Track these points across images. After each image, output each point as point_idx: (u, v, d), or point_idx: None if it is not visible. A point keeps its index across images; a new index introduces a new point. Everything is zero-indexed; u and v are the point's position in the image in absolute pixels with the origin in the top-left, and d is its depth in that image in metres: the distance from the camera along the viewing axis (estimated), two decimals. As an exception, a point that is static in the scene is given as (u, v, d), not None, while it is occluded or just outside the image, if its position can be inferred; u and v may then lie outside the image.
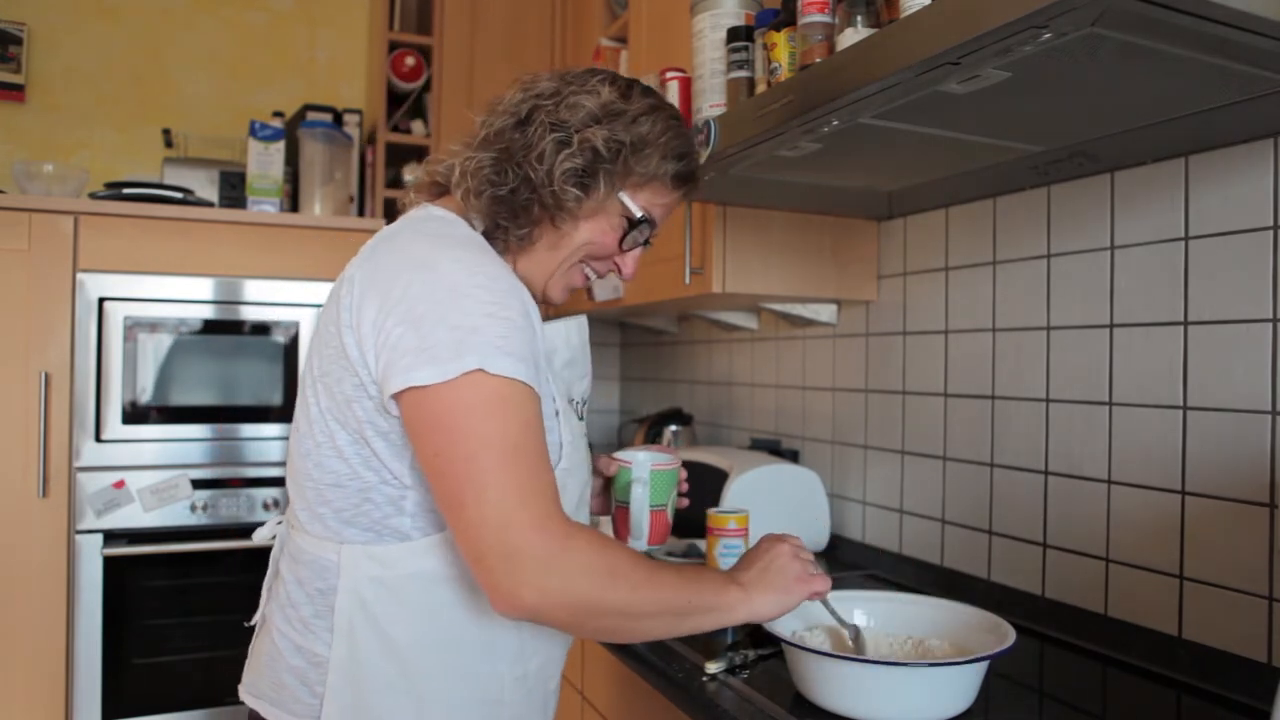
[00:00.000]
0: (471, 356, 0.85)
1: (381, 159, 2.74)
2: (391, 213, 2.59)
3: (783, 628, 1.10)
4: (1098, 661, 1.29)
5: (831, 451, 2.00)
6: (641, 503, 1.13)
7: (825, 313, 1.96)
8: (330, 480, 0.96)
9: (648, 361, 3.02)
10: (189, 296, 2.19)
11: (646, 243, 1.07)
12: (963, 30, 0.82)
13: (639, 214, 1.02)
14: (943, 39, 0.84)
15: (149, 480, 2.13)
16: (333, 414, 0.95)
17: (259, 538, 1.12)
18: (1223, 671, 1.16)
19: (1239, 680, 1.14)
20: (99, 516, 2.08)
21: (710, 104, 1.39)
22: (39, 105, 2.79)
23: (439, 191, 1.07)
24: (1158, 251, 1.27)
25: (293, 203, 2.58)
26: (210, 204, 2.33)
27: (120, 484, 2.10)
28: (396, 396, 0.88)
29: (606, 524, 1.22)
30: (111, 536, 2.09)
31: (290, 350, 2.28)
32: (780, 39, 1.21)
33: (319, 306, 2.25)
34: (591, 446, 1.16)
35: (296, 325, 2.28)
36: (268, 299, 2.26)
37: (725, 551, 1.50)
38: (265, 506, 2.23)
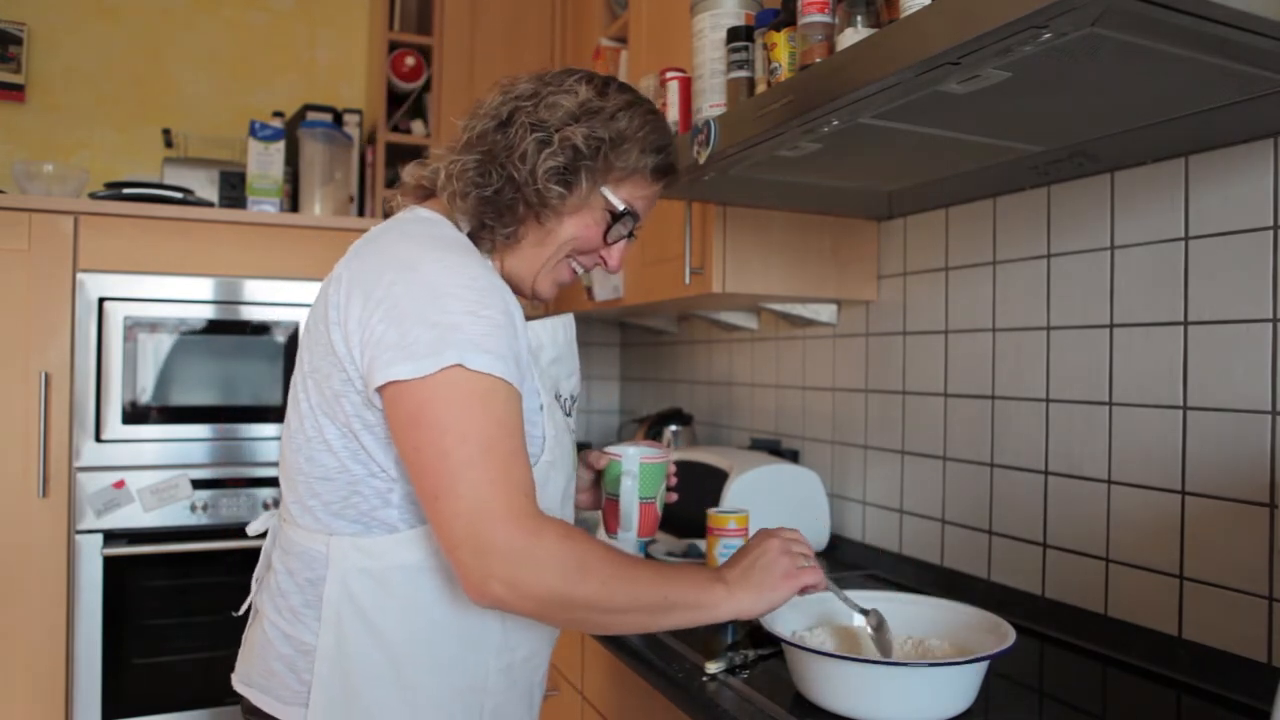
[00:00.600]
0: (451, 352, 0.87)
1: (381, 159, 2.74)
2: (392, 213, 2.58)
3: (783, 627, 1.10)
4: (1098, 661, 1.29)
5: (831, 451, 2.00)
6: (630, 495, 1.15)
7: (825, 313, 1.96)
8: (320, 474, 0.98)
9: (647, 361, 3.02)
10: (189, 296, 2.19)
11: (631, 235, 1.09)
12: (963, 30, 0.82)
13: (621, 207, 1.04)
14: (943, 39, 0.85)
15: (149, 480, 2.13)
16: (322, 409, 0.97)
17: (253, 530, 1.16)
18: (1223, 671, 1.16)
19: (1239, 680, 1.14)
20: (99, 516, 2.08)
21: (710, 104, 1.38)
22: (39, 105, 2.79)
23: (425, 194, 1.09)
24: (1158, 251, 1.27)
25: (293, 203, 2.58)
26: (210, 204, 2.33)
27: (120, 484, 2.10)
28: (380, 391, 0.91)
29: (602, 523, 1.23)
30: (111, 536, 2.09)
31: (290, 350, 2.28)
32: (780, 39, 1.21)
33: (319, 306, 2.25)
34: (581, 446, 1.17)
35: (296, 325, 2.28)
36: (268, 299, 2.26)
37: (725, 551, 1.50)
38: (265, 506, 2.23)
